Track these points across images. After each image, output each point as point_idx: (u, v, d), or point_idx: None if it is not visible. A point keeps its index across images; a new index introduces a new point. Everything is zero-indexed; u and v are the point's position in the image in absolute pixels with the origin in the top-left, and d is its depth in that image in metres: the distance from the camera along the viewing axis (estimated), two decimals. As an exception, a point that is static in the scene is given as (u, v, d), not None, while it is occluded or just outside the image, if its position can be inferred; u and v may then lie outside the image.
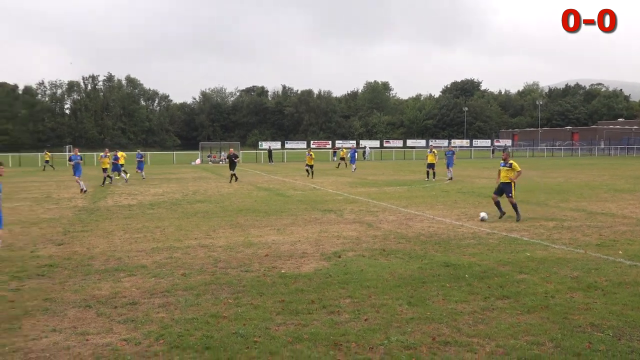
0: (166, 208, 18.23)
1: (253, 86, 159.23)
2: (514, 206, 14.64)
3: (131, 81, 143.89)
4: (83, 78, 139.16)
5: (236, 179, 30.01)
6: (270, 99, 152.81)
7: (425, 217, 15.55)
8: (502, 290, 7.93)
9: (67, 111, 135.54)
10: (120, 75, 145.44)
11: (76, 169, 24.45)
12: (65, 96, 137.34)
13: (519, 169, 14.98)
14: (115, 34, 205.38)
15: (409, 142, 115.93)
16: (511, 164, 14.92)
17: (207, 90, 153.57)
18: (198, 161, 63.90)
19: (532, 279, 8.59)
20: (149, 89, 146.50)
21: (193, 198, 21.52)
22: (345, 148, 49.80)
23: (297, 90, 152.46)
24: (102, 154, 31.23)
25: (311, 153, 33.14)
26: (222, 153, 68.70)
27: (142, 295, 7.85)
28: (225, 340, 6.00)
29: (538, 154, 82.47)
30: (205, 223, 14.81)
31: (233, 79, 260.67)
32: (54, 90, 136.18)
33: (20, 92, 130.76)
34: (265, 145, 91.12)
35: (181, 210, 17.71)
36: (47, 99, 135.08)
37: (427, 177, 29.83)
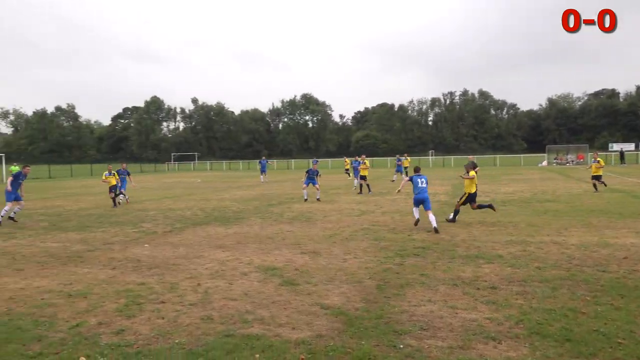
0: (517, 205, 17.54)
1: (602, 89, 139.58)
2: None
3: (483, 94, 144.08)
4: (443, 94, 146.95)
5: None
6: (622, 100, 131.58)
7: None
8: None
9: (430, 122, 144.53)
10: (473, 89, 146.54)
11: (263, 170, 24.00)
12: (429, 110, 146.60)
13: (470, 176, 14.16)
14: (465, 56, 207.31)
15: None
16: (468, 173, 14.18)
17: (554, 97, 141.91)
18: (544, 163, 59.79)
19: None
20: (499, 100, 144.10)
21: (542, 197, 20.14)
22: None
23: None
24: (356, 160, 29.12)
25: (598, 160, 23.03)
26: (568, 155, 62.64)
27: (500, 282, 7.70)
28: (586, 337, 5.37)
29: None
30: (556, 221, 13.67)
31: (580, 84, 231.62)
32: (420, 106, 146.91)
33: (395, 109, 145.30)
34: (616, 147, 78.60)
35: (531, 208, 16.77)
36: (415, 113, 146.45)
37: None
